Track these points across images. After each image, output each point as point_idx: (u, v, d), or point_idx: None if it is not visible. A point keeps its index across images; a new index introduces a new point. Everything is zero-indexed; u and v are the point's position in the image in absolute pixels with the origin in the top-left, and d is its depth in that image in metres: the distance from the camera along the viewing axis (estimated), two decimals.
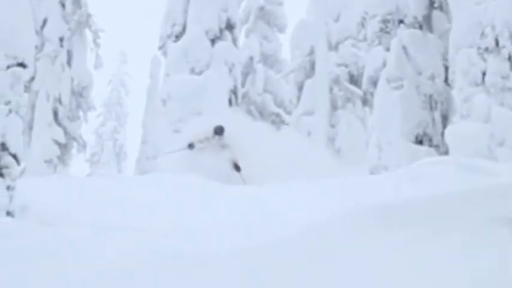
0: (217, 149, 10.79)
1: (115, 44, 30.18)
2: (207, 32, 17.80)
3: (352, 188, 6.58)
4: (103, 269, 3.36)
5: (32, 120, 17.44)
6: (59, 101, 17.79)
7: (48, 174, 15.31)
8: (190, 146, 10.93)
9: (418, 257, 2.67)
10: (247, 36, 23.27)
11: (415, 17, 16.22)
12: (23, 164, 10.68)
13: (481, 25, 13.29)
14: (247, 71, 22.43)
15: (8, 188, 6.00)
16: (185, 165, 10.56)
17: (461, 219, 3.15)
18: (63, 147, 17.90)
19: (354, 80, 22.02)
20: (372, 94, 17.41)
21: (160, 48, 18.48)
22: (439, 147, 15.75)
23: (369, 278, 2.62)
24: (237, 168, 10.69)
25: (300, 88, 22.48)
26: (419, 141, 15.78)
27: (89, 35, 18.73)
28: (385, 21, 16.42)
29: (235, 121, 11.91)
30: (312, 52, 22.06)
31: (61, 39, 17.93)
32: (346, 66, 22.12)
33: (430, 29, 16.36)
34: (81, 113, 18.55)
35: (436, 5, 16.47)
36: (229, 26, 18.34)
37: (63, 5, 18.22)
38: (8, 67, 6.04)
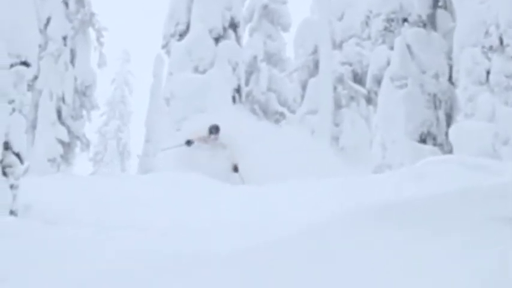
0: (213, 148, 10.61)
1: (118, 42, 30.25)
2: (210, 31, 17.78)
3: (353, 187, 6.56)
4: (103, 268, 3.36)
5: (35, 119, 17.48)
6: (63, 99, 17.82)
7: (52, 173, 15.35)
8: (188, 143, 10.76)
9: (418, 257, 2.67)
10: (251, 35, 23.25)
11: (419, 16, 16.19)
12: (26, 163, 10.71)
13: (485, 24, 13.26)
14: (251, 70, 22.42)
15: (12, 187, 6.00)
16: (183, 163, 10.44)
17: (461, 219, 3.14)
18: (67, 146, 17.93)
19: (357, 78, 22.00)
20: (375, 93, 17.39)
21: (164, 47, 18.47)
22: (443, 146, 15.72)
23: (368, 278, 2.61)
24: (235, 168, 10.52)
25: (304, 87, 22.47)
26: (424, 140, 15.76)
27: (92, 33, 18.77)
28: (389, 20, 16.39)
29: (236, 119, 11.83)
30: (315, 51, 22.05)
31: (64, 38, 17.96)
32: (350, 65, 22.10)
33: (434, 27, 16.33)
34: (84, 112, 18.58)
35: (440, 3, 16.44)
36: (233, 25, 18.32)
37: (66, 4, 18.25)
38: (12, 66, 6.04)
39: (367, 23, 17.07)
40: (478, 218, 3.07)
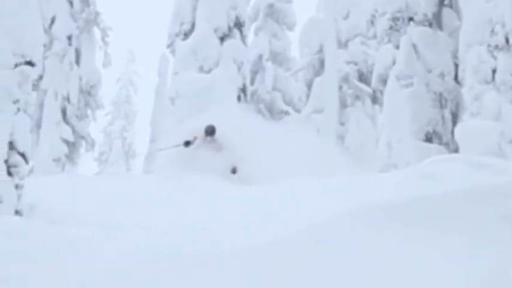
0: (211, 149, 10.40)
1: (123, 42, 30.24)
2: (215, 30, 17.79)
3: (356, 186, 6.55)
4: (103, 268, 3.36)
5: (40, 118, 17.51)
6: (68, 99, 17.86)
7: (57, 173, 15.37)
8: (187, 143, 10.43)
9: (418, 257, 2.66)
10: (256, 34, 23.23)
11: (425, 15, 16.15)
12: (31, 163, 10.74)
13: (491, 22, 13.22)
14: (256, 69, 22.41)
15: (16, 186, 6.02)
16: (181, 163, 10.31)
17: (463, 218, 3.13)
18: (72, 146, 17.97)
19: (363, 77, 21.97)
20: (381, 92, 17.37)
21: (169, 46, 18.49)
22: (449, 145, 15.69)
23: (368, 278, 2.61)
24: (233, 170, 10.31)
25: (309, 86, 22.45)
26: (429, 139, 15.72)
27: (97, 33, 18.79)
28: (394, 19, 16.36)
29: (241, 118, 11.76)
30: (321, 50, 22.03)
31: (69, 38, 17.99)
32: (356, 64, 22.08)
33: (440, 26, 16.28)
34: (89, 112, 18.60)
35: (446, 2, 16.40)
36: (238, 24, 18.32)
37: (71, 3, 18.27)
38: (16, 65, 6.05)
39: (372, 22, 17.04)
40: (480, 217, 3.06)
